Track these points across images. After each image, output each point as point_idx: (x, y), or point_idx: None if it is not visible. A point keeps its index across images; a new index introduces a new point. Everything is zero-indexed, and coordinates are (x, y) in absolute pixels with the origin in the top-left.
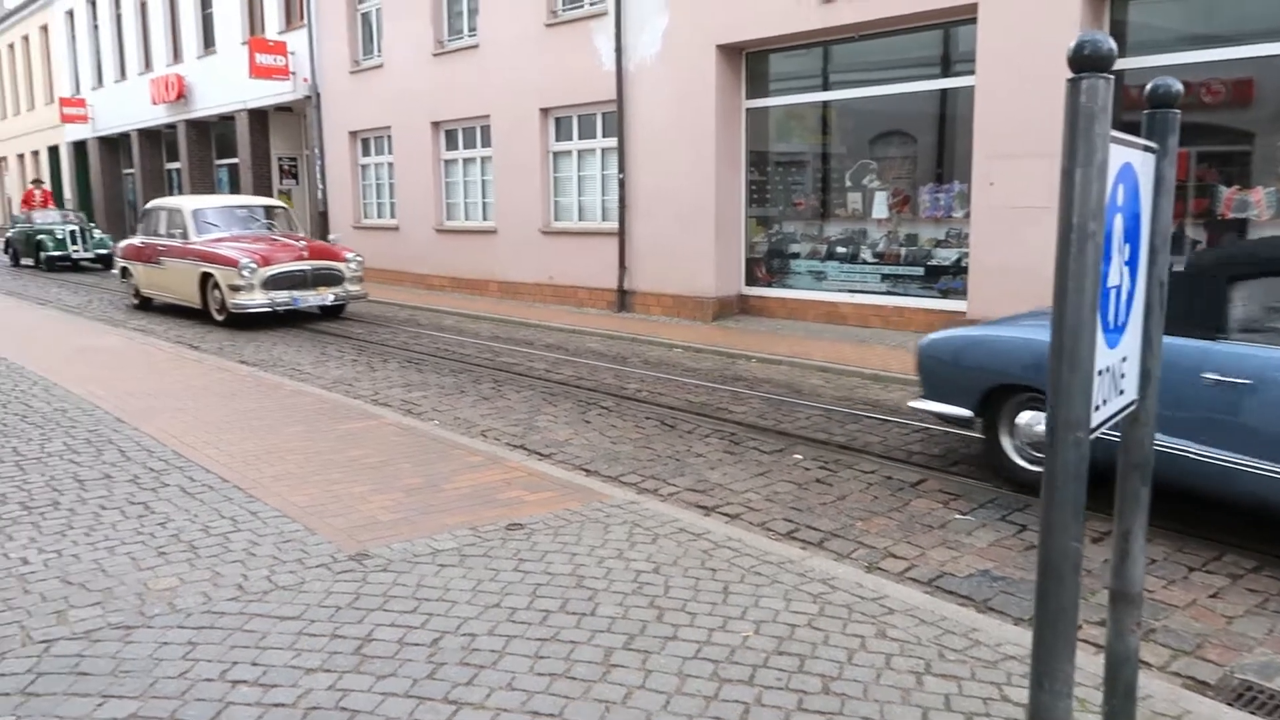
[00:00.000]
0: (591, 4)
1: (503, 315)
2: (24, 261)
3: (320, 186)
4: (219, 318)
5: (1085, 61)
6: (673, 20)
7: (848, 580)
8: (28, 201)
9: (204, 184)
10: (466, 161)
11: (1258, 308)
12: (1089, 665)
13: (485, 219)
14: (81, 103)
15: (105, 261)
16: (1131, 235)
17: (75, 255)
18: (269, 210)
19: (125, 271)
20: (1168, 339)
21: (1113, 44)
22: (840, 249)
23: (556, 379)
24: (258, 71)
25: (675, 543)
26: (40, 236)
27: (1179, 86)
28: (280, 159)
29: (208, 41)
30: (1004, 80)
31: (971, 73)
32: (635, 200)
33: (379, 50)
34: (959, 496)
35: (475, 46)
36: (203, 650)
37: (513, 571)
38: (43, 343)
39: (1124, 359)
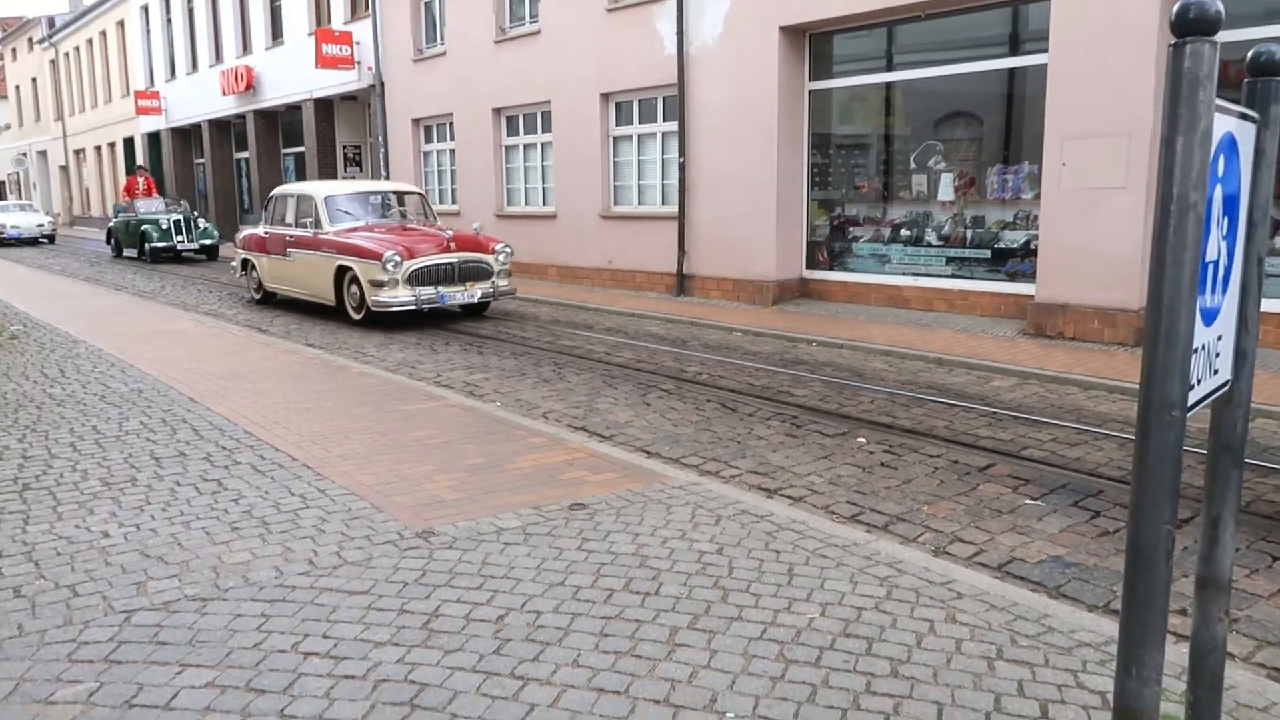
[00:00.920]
0: None
1: (562, 299)
2: (127, 253)
3: (384, 174)
4: (356, 316)
5: (1190, 25)
6: (735, 2)
7: (915, 564)
8: (130, 190)
9: (272, 173)
10: (527, 147)
11: None
12: (1171, 654)
13: (545, 204)
14: (155, 95)
15: (210, 253)
16: (1230, 208)
17: (181, 247)
18: (400, 196)
19: (245, 264)
20: None
21: (1220, 6)
22: (904, 232)
23: (616, 362)
24: (324, 61)
25: (738, 524)
26: (144, 227)
27: None
28: (345, 147)
29: (275, 33)
30: (1079, 57)
31: (1042, 50)
32: (695, 184)
33: (441, 38)
34: (1029, 482)
35: (537, 33)
36: (275, 623)
37: (576, 550)
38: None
39: (1219, 337)
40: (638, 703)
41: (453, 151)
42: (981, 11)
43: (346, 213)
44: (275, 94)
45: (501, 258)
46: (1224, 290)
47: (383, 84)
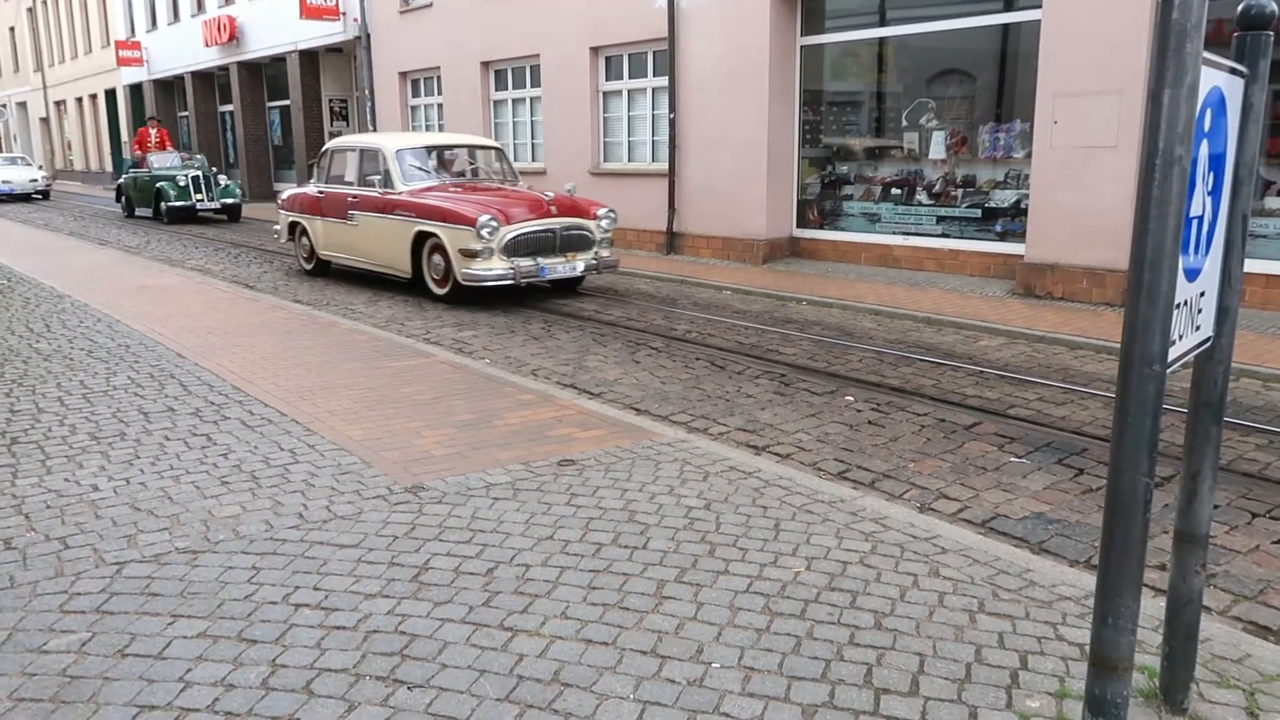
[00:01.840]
0: None
1: None
2: (140, 211)
3: (371, 128)
4: (439, 291)
5: None
6: None
7: (900, 520)
8: (142, 142)
9: (257, 127)
10: (516, 102)
11: None
12: (1148, 608)
13: (534, 160)
14: (137, 45)
15: (231, 213)
16: (1216, 164)
17: (200, 206)
18: (470, 151)
19: (294, 228)
20: None
21: None
22: (894, 191)
23: (605, 320)
24: (308, 12)
25: (726, 480)
26: (160, 184)
27: (1273, 7)
28: (331, 100)
29: None
30: (1072, 13)
31: (1036, 6)
32: (686, 141)
33: None
34: (1014, 440)
35: None
36: (266, 575)
37: (565, 505)
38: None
39: (1202, 294)
40: (625, 653)
41: (440, 106)
42: None
43: (420, 169)
44: (259, 45)
45: (605, 223)
46: (1208, 247)
47: (369, 36)
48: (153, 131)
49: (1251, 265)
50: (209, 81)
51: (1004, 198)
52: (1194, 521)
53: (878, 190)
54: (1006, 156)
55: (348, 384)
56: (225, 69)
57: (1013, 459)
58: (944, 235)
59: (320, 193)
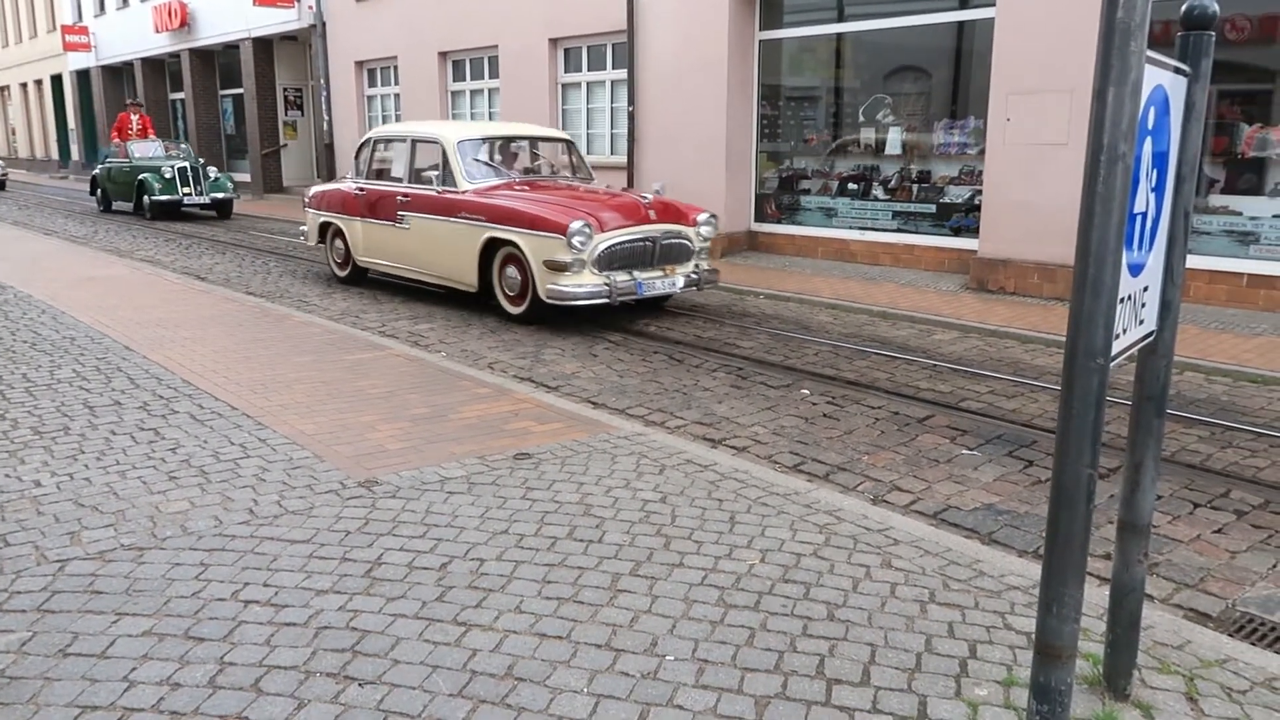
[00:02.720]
0: None
1: None
2: (118, 205)
3: (326, 118)
4: (514, 310)
5: None
6: None
7: (853, 512)
8: (121, 129)
9: (209, 115)
10: (474, 93)
11: None
12: (1092, 596)
13: None
14: (84, 30)
15: (222, 209)
16: (1160, 161)
17: (188, 201)
18: (533, 142)
19: (324, 230)
20: None
21: None
22: (851, 186)
23: (562, 313)
24: None
25: (682, 473)
26: (143, 176)
27: (1215, 8)
28: (286, 90)
29: None
30: (1026, 11)
31: (991, 4)
32: (644, 134)
33: None
34: (966, 432)
35: None
36: (215, 571)
37: (520, 500)
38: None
39: (1145, 288)
40: (579, 647)
41: (398, 96)
42: None
43: (485, 164)
44: (211, 32)
45: (705, 230)
46: (1151, 243)
47: (324, 24)
48: (134, 117)
49: (1194, 261)
50: (160, 68)
51: (958, 193)
52: (1137, 512)
53: (835, 185)
54: (961, 153)
55: (301, 378)
56: (176, 56)
57: (964, 451)
58: (900, 230)
59: (360, 190)
